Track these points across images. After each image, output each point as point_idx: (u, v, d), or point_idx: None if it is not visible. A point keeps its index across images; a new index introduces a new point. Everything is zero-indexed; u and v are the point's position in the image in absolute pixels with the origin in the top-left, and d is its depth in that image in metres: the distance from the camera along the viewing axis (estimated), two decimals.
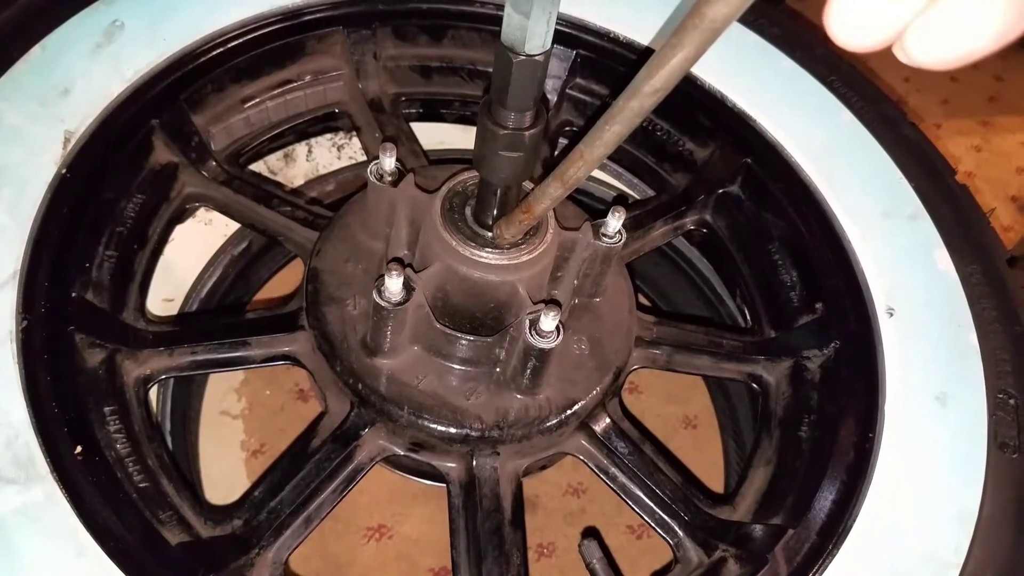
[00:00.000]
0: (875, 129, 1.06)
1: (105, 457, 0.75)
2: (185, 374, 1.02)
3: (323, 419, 0.88)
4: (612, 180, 1.30)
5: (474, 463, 0.85)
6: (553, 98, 1.18)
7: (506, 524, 0.83)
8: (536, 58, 0.58)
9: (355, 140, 1.36)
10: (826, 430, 0.89)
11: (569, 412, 0.84)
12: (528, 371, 0.79)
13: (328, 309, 0.86)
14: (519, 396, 0.83)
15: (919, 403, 0.84)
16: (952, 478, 0.79)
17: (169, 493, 0.81)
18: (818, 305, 0.98)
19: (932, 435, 0.82)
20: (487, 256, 0.75)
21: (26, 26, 0.94)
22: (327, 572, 1.32)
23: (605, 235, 0.83)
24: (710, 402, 1.58)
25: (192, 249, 1.25)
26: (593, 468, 0.91)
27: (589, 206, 1.35)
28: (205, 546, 0.77)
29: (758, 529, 0.84)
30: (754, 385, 1.00)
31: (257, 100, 1.09)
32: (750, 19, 1.14)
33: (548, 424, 0.83)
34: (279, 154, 1.29)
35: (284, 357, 0.90)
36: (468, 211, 0.77)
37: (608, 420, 0.93)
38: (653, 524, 0.89)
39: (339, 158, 1.40)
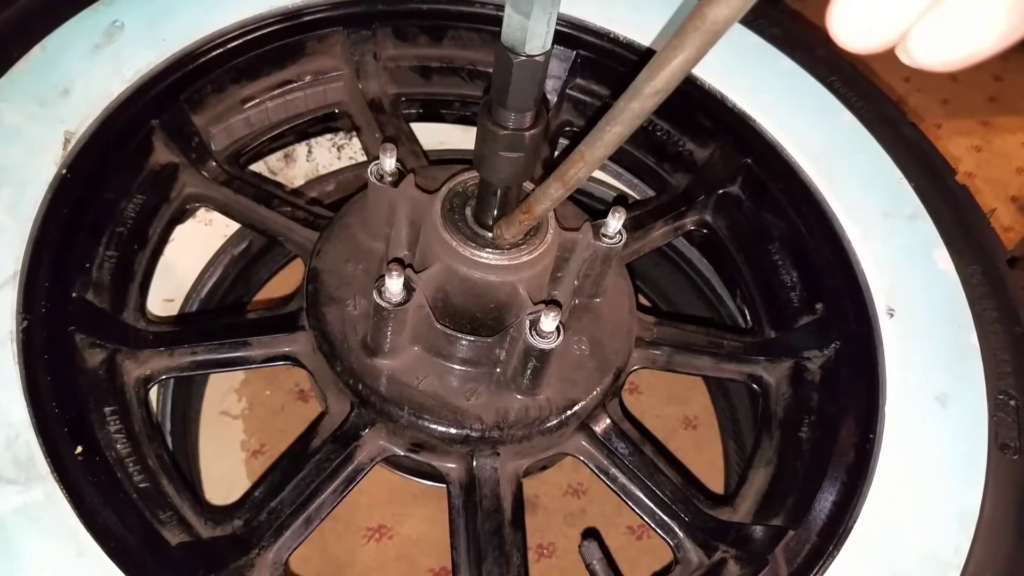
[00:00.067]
0: (875, 129, 1.06)
1: (105, 457, 0.75)
2: (185, 374, 1.02)
3: (323, 419, 0.88)
4: (612, 180, 1.30)
5: (474, 464, 0.85)
6: (553, 98, 1.18)
7: (506, 525, 0.83)
8: (536, 58, 0.58)
9: (355, 140, 1.36)
10: (826, 431, 0.89)
11: (569, 413, 0.84)
12: (528, 372, 0.79)
13: (328, 309, 0.86)
14: (519, 397, 0.83)
15: (919, 404, 0.84)
16: (952, 479, 0.79)
17: (169, 493, 0.81)
18: (818, 305, 0.98)
19: (932, 436, 0.82)
20: (487, 256, 0.75)
21: (26, 26, 0.94)
22: (327, 572, 1.32)
23: (605, 235, 0.83)
24: (710, 403, 1.58)
25: (192, 249, 1.25)
26: (593, 469, 0.91)
27: (589, 206, 1.35)
28: (205, 546, 0.77)
29: (758, 530, 0.84)
30: (754, 386, 1.00)
31: (257, 100, 1.09)
32: (750, 19, 1.14)
33: (548, 425, 0.83)
34: (279, 154, 1.29)
35: (284, 357, 0.90)
36: (468, 211, 0.77)
37: (608, 421, 0.93)
38: (653, 525, 0.89)
39: (339, 158, 1.40)
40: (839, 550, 0.76)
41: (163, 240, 1.00)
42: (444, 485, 0.87)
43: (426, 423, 0.81)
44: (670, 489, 0.90)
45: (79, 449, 0.72)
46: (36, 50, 0.92)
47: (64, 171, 0.85)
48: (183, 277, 1.28)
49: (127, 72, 0.94)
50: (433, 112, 1.25)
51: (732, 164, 1.08)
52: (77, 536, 0.66)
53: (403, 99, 1.19)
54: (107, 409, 0.80)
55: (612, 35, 1.13)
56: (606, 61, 1.14)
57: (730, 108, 1.08)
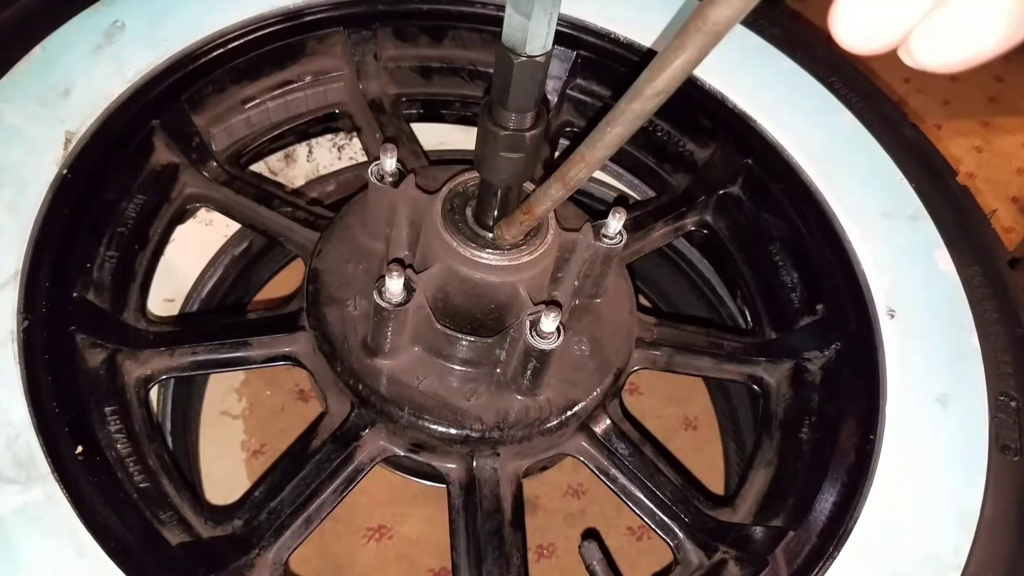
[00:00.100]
0: (876, 130, 1.06)
1: (106, 457, 0.75)
2: (186, 374, 1.02)
3: (323, 419, 0.88)
4: (613, 181, 1.30)
5: (474, 464, 0.85)
6: (554, 99, 1.18)
7: (506, 525, 0.83)
8: (537, 59, 0.58)
9: (356, 141, 1.36)
10: (827, 431, 0.89)
11: (569, 413, 0.84)
12: (528, 372, 0.79)
13: (329, 310, 0.86)
14: (519, 397, 0.83)
15: (920, 405, 0.84)
16: (953, 480, 0.79)
17: (169, 493, 0.81)
18: (819, 306, 0.98)
19: (933, 437, 0.82)
20: (488, 257, 0.75)
21: (26, 27, 0.94)
22: (327, 572, 1.32)
23: (606, 236, 0.83)
24: (710, 403, 1.58)
25: (193, 249, 1.25)
26: (593, 469, 0.91)
27: (590, 207, 1.35)
28: (205, 546, 0.77)
29: (758, 531, 0.84)
30: (755, 386, 1.00)
31: (258, 101, 1.09)
32: (750, 20, 1.14)
33: (548, 425, 0.83)
34: (280, 155, 1.30)
35: (285, 357, 0.90)
36: (469, 212, 0.77)
37: (608, 421, 0.93)
38: (653, 525, 0.89)
39: (340, 159, 1.40)
40: (839, 551, 0.75)
41: (164, 240, 1.00)
42: (444, 485, 0.87)
43: (426, 423, 0.81)
44: (670, 490, 0.90)
45: (79, 449, 0.72)
46: (37, 50, 0.92)
47: (65, 171, 0.85)
48: (184, 277, 1.28)
49: (128, 72, 0.94)
50: (434, 112, 1.25)
51: (732, 165, 1.08)
52: (77, 536, 0.66)
53: (404, 99, 1.19)
54: (107, 409, 0.80)
55: (613, 36, 1.13)
56: (607, 62, 1.14)
57: (730, 108, 1.08)
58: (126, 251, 0.92)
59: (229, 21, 1.02)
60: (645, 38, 1.12)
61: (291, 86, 1.11)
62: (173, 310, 1.26)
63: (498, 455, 0.85)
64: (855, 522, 0.77)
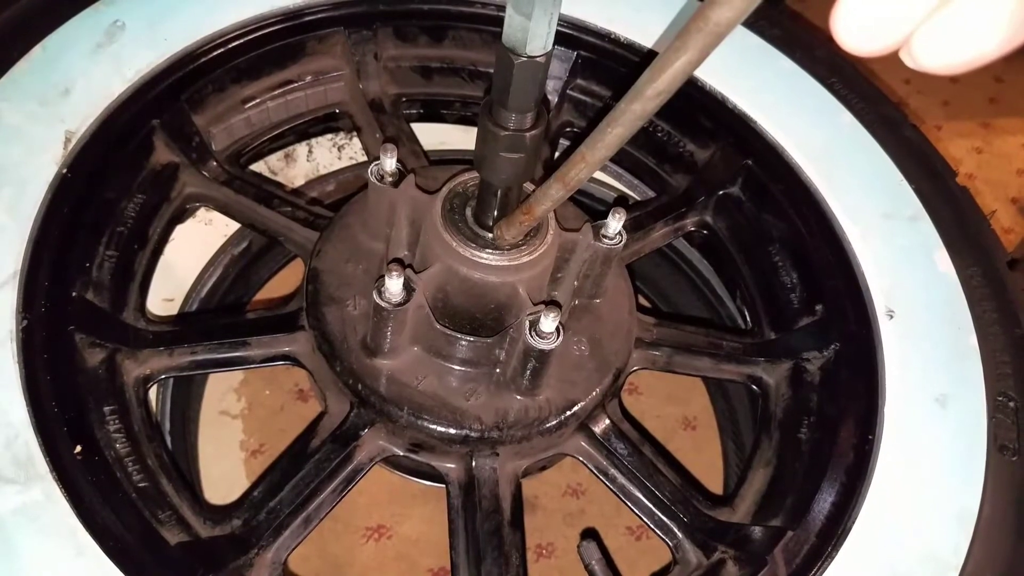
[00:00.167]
0: (876, 130, 1.06)
1: (105, 457, 0.75)
2: (185, 374, 1.02)
3: (323, 419, 0.88)
4: (613, 181, 1.30)
5: (473, 464, 0.85)
6: (554, 99, 1.18)
7: (505, 525, 0.83)
8: (537, 59, 0.58)
9: (355, 140, 1.36)
10: (826, 432, 0.89)
11: (569, 413, 0.84)
12: (528, 372, 0.79)
13: (328, 309, 0.86)
14: (519, 397, 0.83)
15: (919, 405, 0.84)
16: (952, 480, 0.79)
17: (168, 493, 0.81)
18: (818, 307, 0.98)
19: (932, 437, 0.82)
20: (487, 257, 0.75)
21: (27, 26, 0.94)
22: (326, 572, 1.32)
23: (605, 236, 0.83)
24: (710, 403, 1.58)
25: (192, 249, 1.25)
26: (592, 469, 0.91)
27: (590, 207, 1.35)
28: (204, 546, 0.77)
29: (757, 531, 0.84)
30: (754, 387, 1.00)
31: (258, 100, 1.09)
32: (751, 21, 1.14)
33: (547, 425, 0.83)
34: (280, 154, 1.29)
35: (284, 357, 0.90)
36: (469, 212, 0.77)
37: (608, 421, 0.93)
38: (652, 525, 0.89)
39: (339, 158, 1.40)
40: (838, 551, 0.76)
41: (163, 240, 1.00)
42: (443, 485, 0.87)
43: (425, 423, 0.81)
44: (669, 490, 0.90)
45: (78, 449, 0.72)
46: (37, 50, 0.92)
47: (64, 170, 0.85)
48: (183, 277, 1.28)
49: (128, 72, 0.94)
50: (434, 112, 1.25)
51: (732, 165, 1.08)
52: (76, 535, 0.66)
53: (404, 99, 1.19)
54: (106, 409, 0.80)
55: (613, 36, 1.13)
56: (607, 62, 1.14)
57: (730, 109, 1.08)
58: (125, 250, 0.92)
59: (229, 21, 1.02)
60: (645, 38, 1.12)
61: (291, 86, 1.11)
62: (172, 310, 1.26)
63: (497, 455, 0.85)
64: (854, 522, 0.77)
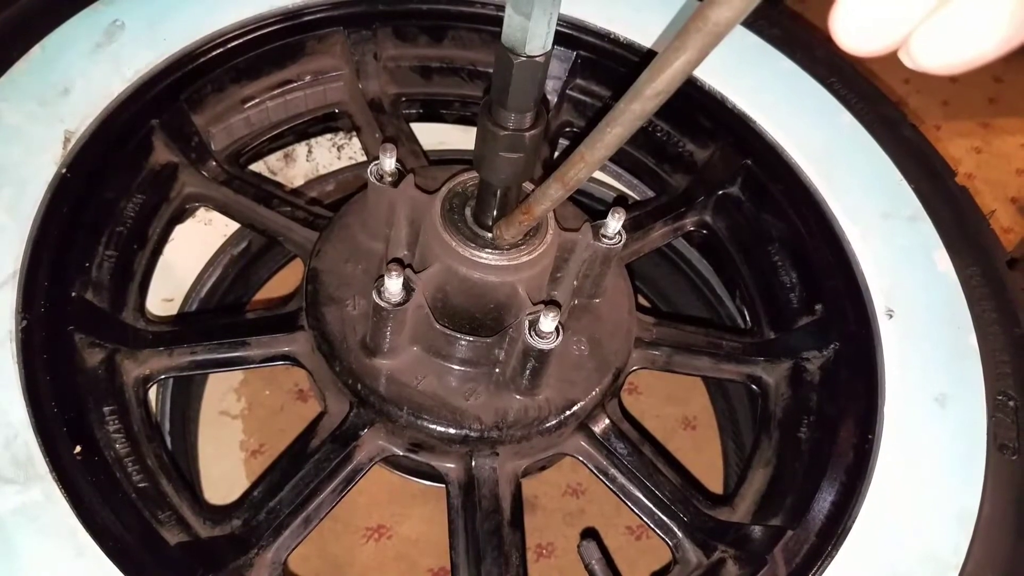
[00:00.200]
0: (875, 130, 1.06)
1: (104, 457, 0.75)
2: (184, 374, 1.02)
3: (322, 419, 0.88)
4: (612, 181, 1.30)
5: (473, 464, 0.85)
6: (553, 99, 1.18)
7: (505, 525, 0.83)
8: (537, 59, 0.58)
9: (355, 140, 1.36)
10: (825, 431, 0.89)
11: (568, 413, 0.84)
12: (527, 372, 0.79)
13: (328, 309, 0.86)
14: (518, 397, 0.83)
15: (918, 404, 0.84)
16: (951, 479, 0.79)
17: (168, 493, 0.81)
18: (818, 306, 0.98)
19: (931, 436, 0.82)
20: (487, 257, 0.75)
21: (26, 26, 0.94)
22: (326, 572, 1.32)
23: (605, 236, 0.83)
24: (709, 403, 1.58)
25: (192, 249, 1.25)
26: (592, 469, 0.91)
27: (589, 207, 1.35)
28: (204, 546, 0.77)
29: (757, 530, 0.84)
30: (753, 386, 1.00)
31: (257, 100, 1.09)
32: (750, 20, 1.14)
33: (547, 425, 0.83)
34: (279, 154, 1.29)
35: (283, 357, 0.90)
36: (468, 212, 0.77)
37: (607, 421, 0.93)
38: (652, 525, 0.89)
39: (339, 158, 1.40)
40: (838, 550, 0.76)
41: (163, 240, 1.00)
42: (443, 485, 0.87)
43: (425, 423, 0.81)
44: (669, 489, 0.90)
45: (78, 449, 0.72)
46: (36, 49, 0.92)
47: (64, 170, 0.85)
48: (182, 277, 1.28)
49: (127, 71, 0.94)
50: (433, 112, 1.25)
51: (732, 165, 1.08)
52: (76, 536, 0.66)
53: (403, 99, 1.20)
54: (106, 409, 0.80)
55: (612, 36, 1.13)
56: (606, 62, 1.14)
57: (730, 109, 1.08)
58: (125, 250, 0.92)
59: (228, 21, 1.02)
60: (645, 38, 1.12)
61: (290, 86, 1.11)
62: (172, 310, 1.26)
63: (497, 455, 0.85)
64: (854, 521, 0.77)
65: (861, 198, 1.00)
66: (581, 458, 0.91)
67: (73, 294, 0.82)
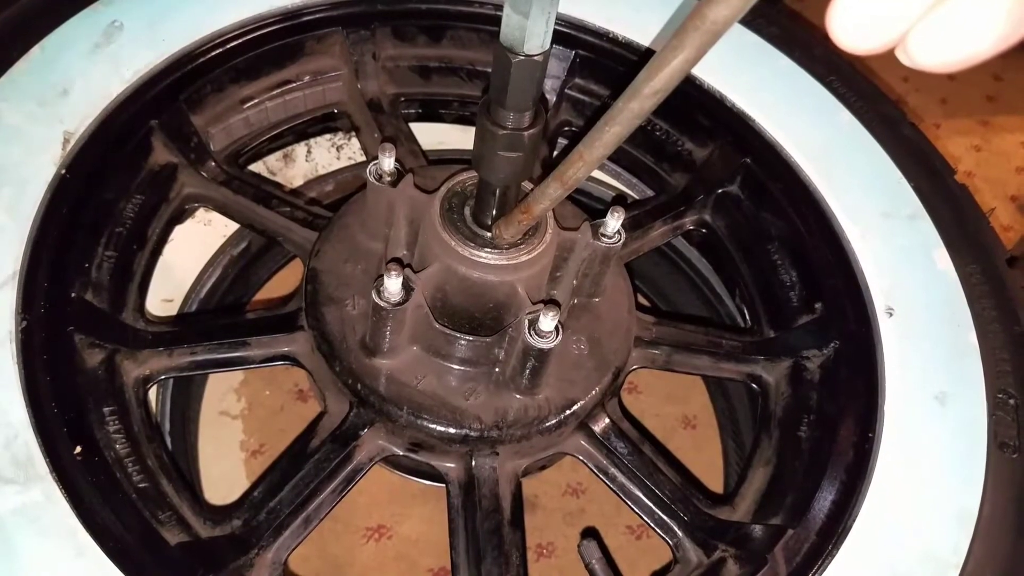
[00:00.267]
0: (874, 129, 1.06)
1: (104, 457, 0.75)
2: (184, 374, 1.02)
3: (322, 419, 0.88)
4: (611, 180, 1.30)
5: (473, 463, 0.85)
6: (552, 98, 1.18)
7: (505, 524, 0.83)
8: (535, 58, 0.58)
9: (354, 140, 1.36)
10: (825, 430, 0.89)
11: (568, 412, 0.84)
12: (527, 371, 0.79)
13: (327, 309, 0.86)
14: (518, 396, 0.83)
15: (919, 403, 0.84)
16: (952, 478, 0.79)
17: (168, 493, 0.81)
18: (817, 305, 0.98)
19: (932, 435, 0.82)
20: (486, 256, 0.75)
21: (25, 26, 0.94)
22: (326, 572, 1.32)
23: (604, 235, 0.83)
24: (709, 402, 1.58)
25: (191, 249, 1.25)
26: (592, 468, 0.91)
27: (588, 206, 1.35)
28: (204, 546, 0.77)
29: (757, 529, 0.84)
30: (753, 385, 1.00)
31: (256, 100, 1.09)
32: (749, 19, 1.14)
33: (547, 424, 0.83)
34: (278, 154, 1.29)
35: (283, 357, 0.90)
36: (467, 211, 0.77)
37: (607, 420, 0.93)
38: (652, 524, 0.89)
39: (338, 158, 1.40)
40: (838, 549, 0.76)
41: (162, 240, 1.00)
42: (443, 485, 0.87)
43: (425, 423, 0.81)
44: (669, 488, 0.90)
45: (78, 449, 0.72)
46: (35, 50, 0.92)
47: (63, 171, 0.85)
48: (182, 277, 1.28)
49: (126, 72, 0.94)
50: (432, 112, 1.25)
51: (731, 163, 1.08)
52: (76, 536, 0.66)
53: (402, 99, 1.20)
54: (106, 409, 0.80)
55: (611, 35, 1.13)
56: (605, 61, 1.14)
57: (729, 107, 1.08)
58: (124, 251, 0.92)
59: (228, 21, 1.02)
60: (643, 37, 1.12)
61: (290, 86, 1.11)
62: (172, 310, 1.26)
63: (497, 454, 0.85)
64: (854, 520, 0.77)
65: (860, 196, 1.00)
66: (581, 457, 0.91)
67: (73, 295, 0.82)
